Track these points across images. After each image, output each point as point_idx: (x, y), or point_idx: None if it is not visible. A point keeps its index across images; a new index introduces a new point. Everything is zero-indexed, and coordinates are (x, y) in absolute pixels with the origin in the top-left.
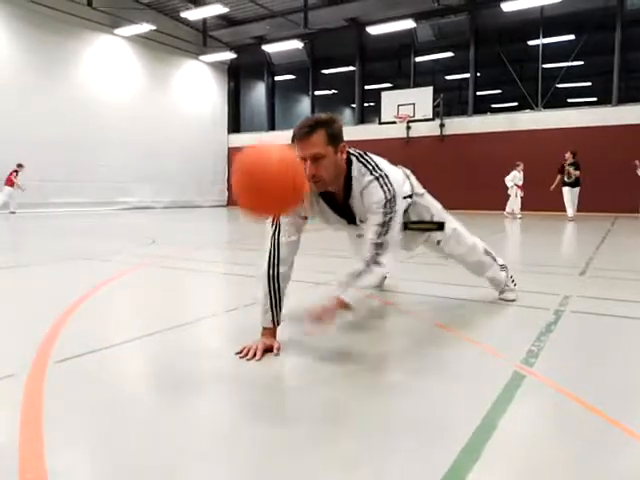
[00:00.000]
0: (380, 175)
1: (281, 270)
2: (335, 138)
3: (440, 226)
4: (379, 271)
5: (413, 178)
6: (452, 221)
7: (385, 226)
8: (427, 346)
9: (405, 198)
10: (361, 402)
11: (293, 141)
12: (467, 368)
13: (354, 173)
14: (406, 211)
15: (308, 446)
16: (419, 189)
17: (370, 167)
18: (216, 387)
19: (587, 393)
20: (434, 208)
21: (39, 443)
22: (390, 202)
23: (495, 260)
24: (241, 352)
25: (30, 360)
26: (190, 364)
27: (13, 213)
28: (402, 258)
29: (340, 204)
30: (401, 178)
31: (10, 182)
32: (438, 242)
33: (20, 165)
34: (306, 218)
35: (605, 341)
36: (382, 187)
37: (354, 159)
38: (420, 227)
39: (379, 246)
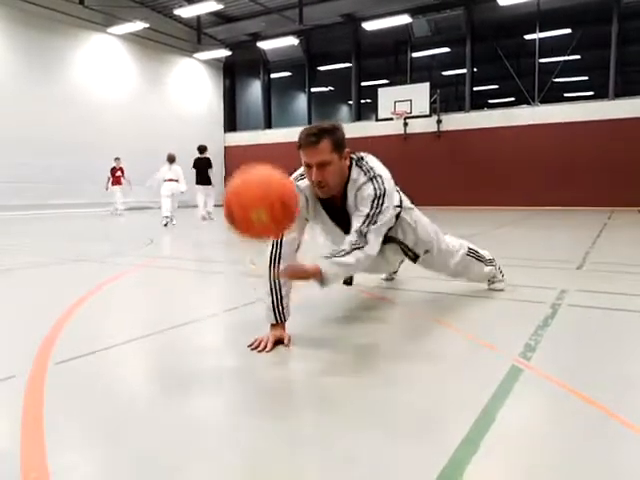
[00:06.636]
0: (374, 176)
1: (282, 267)
2: (340, 145)
3: (415, 259)
4: (360, 257)
5: (402, 193)
6: (441, 241)
7: (371, 218)
8: (425, 341)
9: (396, 207)
10: (359, 397)
11: (299, 148)
12: (465, 362)
13: (353, 176)
14: (394, 223)
15: (307, 441)
16: (408, 203)
17: (365, 169)
18: (217, 385)
19: (585, 386)
20: (420, 226)
21: (41, 443)
22: (379, 199)
23: (479, 258)
24: (252, 344)
25: (31, 361)
26: (191, 364)
27: (117, 210)
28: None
29: (338, 208)
30: (393, 183)
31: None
32: (416, 260)
33: (117, 159)
34: (307, 219)
35: (602, 334)
36: (373, 185)
37: (353, 163)
38: (400, 247)
39: (362, 234)
